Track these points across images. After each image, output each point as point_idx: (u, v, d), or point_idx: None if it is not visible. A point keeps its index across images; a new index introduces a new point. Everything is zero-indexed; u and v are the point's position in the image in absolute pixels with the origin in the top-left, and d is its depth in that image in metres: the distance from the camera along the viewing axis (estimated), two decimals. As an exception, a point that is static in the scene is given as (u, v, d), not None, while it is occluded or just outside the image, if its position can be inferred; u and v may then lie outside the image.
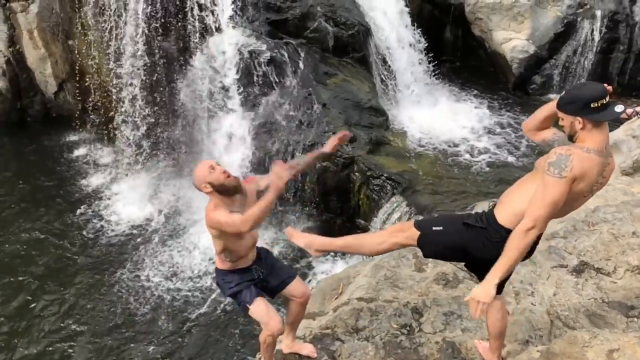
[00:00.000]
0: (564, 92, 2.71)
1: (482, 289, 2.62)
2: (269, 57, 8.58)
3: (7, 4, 9.93)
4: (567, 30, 10.70)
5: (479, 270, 3.03)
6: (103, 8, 8.72)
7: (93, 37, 9.14)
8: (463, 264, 3.18)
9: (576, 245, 4.33)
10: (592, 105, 2.52)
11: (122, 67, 8.81)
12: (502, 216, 2.78)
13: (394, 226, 3.07)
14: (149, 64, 8.69)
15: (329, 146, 3.31)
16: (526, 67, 10.88)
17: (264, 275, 3.21)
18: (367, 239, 3.07)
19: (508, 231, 2.75)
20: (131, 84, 8.85)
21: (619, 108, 2.55)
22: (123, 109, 9.09)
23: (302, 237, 3.15)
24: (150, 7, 8.36)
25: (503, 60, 11.04)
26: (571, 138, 2.65)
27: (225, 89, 8.51)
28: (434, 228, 2.91)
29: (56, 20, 9.51)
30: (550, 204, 2.54)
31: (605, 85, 2.61)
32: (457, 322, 3.71)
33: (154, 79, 8.79)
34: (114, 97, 9.23)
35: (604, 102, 2.53)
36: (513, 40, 10.87)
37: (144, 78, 8.76)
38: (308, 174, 8.07)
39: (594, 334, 3.05)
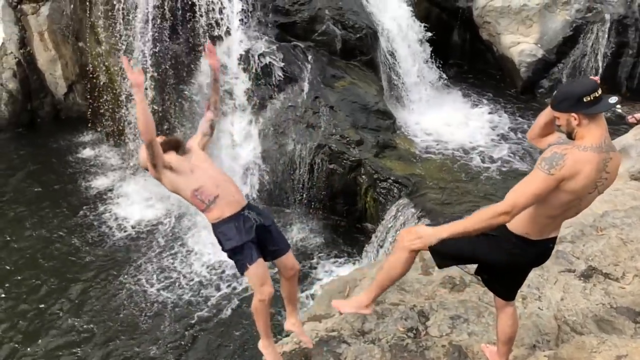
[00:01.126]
0: (555, 91, 2.71)
1: (428, 231, 2.64)
2: (277, 60, 8.61)
3: (19, 6, 10.02)
4: (575, 34, 10.66)
5: (490, 277, 3.02)
6: None
7: (102, 33, 9.22)
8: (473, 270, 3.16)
9: (584, 250, 4.32)
10: (584, 100, 2.53)
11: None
12: (511, 222, 2.78)
13: (401, 233, 3.05)
14: (156, 67, 8.76)
15: (211, 65, 3.49)
16: (534, 71, 10.85)
17: (261, 221, 3.24)
18: (389, 264, 3.00)
19: (518, 237, 2.74)
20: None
21: (612, 99, 2.56)
22: (130, 111, 9.15)
23: (349, 304, 3.17)
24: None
25: (511, 64, 11.02)
26: (570, 136, 2.64)
27: (233, 91, 8.54)
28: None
29: (67, 23, 9.59)
30: (531, 195, 2.54)
31: (596, 78, 2.62)
32: (464, 326, 3.70)
33: (163, 79, 8.84)
34: (122, 99, 9.30)
35: (597, 95, 2.54)
36: (521, 44, 10.85)
37: (153, 77, 8.83)
38: (315, 176, 8.09)
39: (602, 340, 3.04)
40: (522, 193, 2.55)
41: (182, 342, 6.53)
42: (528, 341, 3.49)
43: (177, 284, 7.37)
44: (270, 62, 8.58)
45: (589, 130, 2.56)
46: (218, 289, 7.29)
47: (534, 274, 4.06)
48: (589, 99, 2.52)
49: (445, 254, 2.94)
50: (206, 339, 6.60)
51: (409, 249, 2.87)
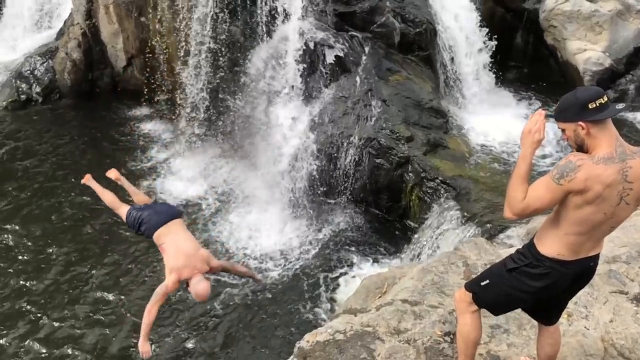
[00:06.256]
0: (558, 102, 2.58)
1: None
2: (333, 49, 8.55)
3: (88, -21, 10.33)
4: (649, 44, 10.12)
5: (534, 306, 2.93)
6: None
7: (163, 11, 9.38)
8: None
9: (639, 272, 4.11)
10: (590, 106, 2.41)
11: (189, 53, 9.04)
12: (541, 244, 2.66)
13: (455, 296, 3.05)
14: (213, 48, 8.86)
15: (252, 277, 4.83)
16: (599, 81, 10.34)
17: None
18: (461, 333, 2.99)
19: (552, 260, 2.62)
20: (196, 67, 9.07)
21: (620, 105, 2.45)
22: (186, 90, 9.31)
23: None
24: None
25: (574, 72, 10.56)
26: (581, 150, 2.51)
27: (287, 78, 8.54)
28: (481, 284, 2.86)
29: (132, -2, 9.82)
30: (535, 200, 2.49)
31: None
32: (504, 337, 3.59)
33: (218, 62, 8.95)
34: (178, 77, 9.47)
35: (602, 101, 2.41)
36: (588, 52, 10.37)
37: (208, 61, 8.95)
38: (361, 169, 8.02)
39: (653, 368, 2.88)
40: (534, 198, 2.50)
41: (203, 329, 6.52)
42: (571, 360, 3.36)
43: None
44: (326, 51, 8.53)
45: (599, 141, 2.43)
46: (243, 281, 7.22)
47: (582, 292, 3.89)
48: (594, 105, 2.40)
49: (493, 304, 2.90)
50: (226, 326, 6.55)
51: (470, 310, 2.89)
